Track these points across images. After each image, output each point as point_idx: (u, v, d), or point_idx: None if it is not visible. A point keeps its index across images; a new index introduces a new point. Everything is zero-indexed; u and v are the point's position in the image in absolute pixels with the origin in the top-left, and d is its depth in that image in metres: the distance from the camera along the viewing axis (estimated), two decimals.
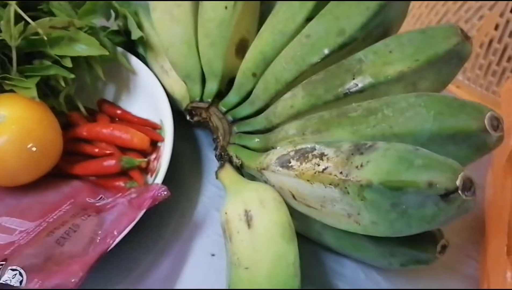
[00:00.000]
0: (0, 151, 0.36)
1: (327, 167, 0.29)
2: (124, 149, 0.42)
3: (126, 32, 0.46)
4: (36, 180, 0.39)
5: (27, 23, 0.38)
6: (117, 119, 0.45)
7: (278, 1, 0.45)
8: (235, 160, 0.36)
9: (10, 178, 0.37)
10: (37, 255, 0.30)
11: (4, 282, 0.29)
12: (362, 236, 0.32)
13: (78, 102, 0.43)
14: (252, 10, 0.42)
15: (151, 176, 0.40)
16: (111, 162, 0.39)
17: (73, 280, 0.29)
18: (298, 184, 0.31)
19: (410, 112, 0.29)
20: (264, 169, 0.34)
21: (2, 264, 0.30)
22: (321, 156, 0.30)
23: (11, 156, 0.36)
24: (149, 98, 0.44)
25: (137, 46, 0.46)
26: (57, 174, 0.40)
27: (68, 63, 0.39)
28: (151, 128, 0.43)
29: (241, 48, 0.41)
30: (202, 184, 0.44)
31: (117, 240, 0.32)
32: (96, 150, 0.41)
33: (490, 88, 0.48)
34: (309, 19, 0.37)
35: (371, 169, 0.27)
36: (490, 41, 0.46)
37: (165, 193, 0.35)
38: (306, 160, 0.31)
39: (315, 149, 0.31)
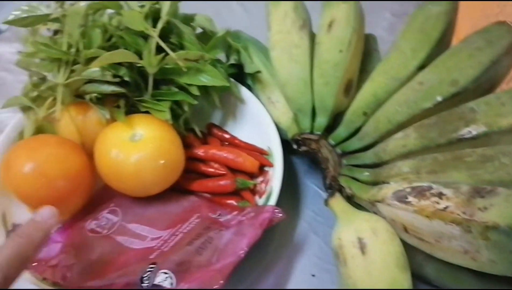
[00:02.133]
0: (137, 165, 0.40)
1: (448, 206, 0.32)
2: (232, 170, 0.46)
3: (237, 65, 0.51)
4: (158, 193, 0.43)
5: (165, 53, 0.43)
6: (225, 143, 0.49)
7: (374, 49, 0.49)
8: (347, 190, 0.40)
9: (143, 189, 0.42)
10: (180, 261, 0.34)
11: (157, 284, 0.33)
12: (466, 270, 0.35)
13: (194, 125, 0.48)
14: (358, 54, 0.46)
15: (259, 197, 0.44)
16: (227, 181, 0.44)
17: (215, 287, 0.33)
18: (414, 218, 0.34)
19: None
20: (378, 201, 0.37)
21: (152, 267, 0.34)
22: (440, 195, 0.33)
23: (146, 170, 0.40)
24: (256, 125, 0.48)
25: (246, 78, 0.51)
26: (175, 189, 0.44)
27: (196, 91, 0.44)
28: (258, 153, 0.47)
29: (348, 88, 0.45)
30: (299, 209, 0.47)
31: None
32: (211, 169, 0.45)
33: None
34: (420, 67, 0.41)
35: (495, 212, 0.30)
36: None
37: (281, 215, 0.39)
38: (424, 198, 0.34)
39: (432, 188, 0.34)
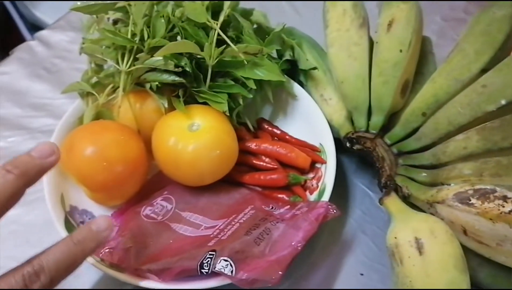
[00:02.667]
0: (194, 154, 0.41)
1: None
2: (282, 165, 0.46)
3: (290, 61, 0.51)
4: (210, 184, 0.44)
5: (224, 46, 0.44)
6: (275, 138, 0.49)
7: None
8: (404, 190, 0.39)
9: (198, 178, 0.42)
10: (239, 250, 0.35)
11: (217, 270, 0.33)
12: None
13: (246, 119, 0.48)
14: (416, 55, 0.46)
15: (310, 194, 0.44)
16: (279, 176, 0.44)
17: (273, 277, 0.33)
18: (476, 221, 0.34)
19: None
20: (438, 202, 0.37)
21: (212, 254, 0.34)
22: (505, 198, 0.33)
23: (202, 160, 0.41)
24: (307, 122, 0.48)
25: (298, 74, 0.51)
26: (225, 181, 0.45)
27: (252, 84, 0.45)
28: (309, 150, 0.47)
29: (405, 88, 0.45)
30: (348, 207, 0.47)
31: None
32: (262, 163, 0.46)
33: None
34: (484, 70, 0.40)
35: None
36: None
37: (335, 211, 0.39)
38: (488, 200, 0.34)
39: (496, 191, 0.34)
